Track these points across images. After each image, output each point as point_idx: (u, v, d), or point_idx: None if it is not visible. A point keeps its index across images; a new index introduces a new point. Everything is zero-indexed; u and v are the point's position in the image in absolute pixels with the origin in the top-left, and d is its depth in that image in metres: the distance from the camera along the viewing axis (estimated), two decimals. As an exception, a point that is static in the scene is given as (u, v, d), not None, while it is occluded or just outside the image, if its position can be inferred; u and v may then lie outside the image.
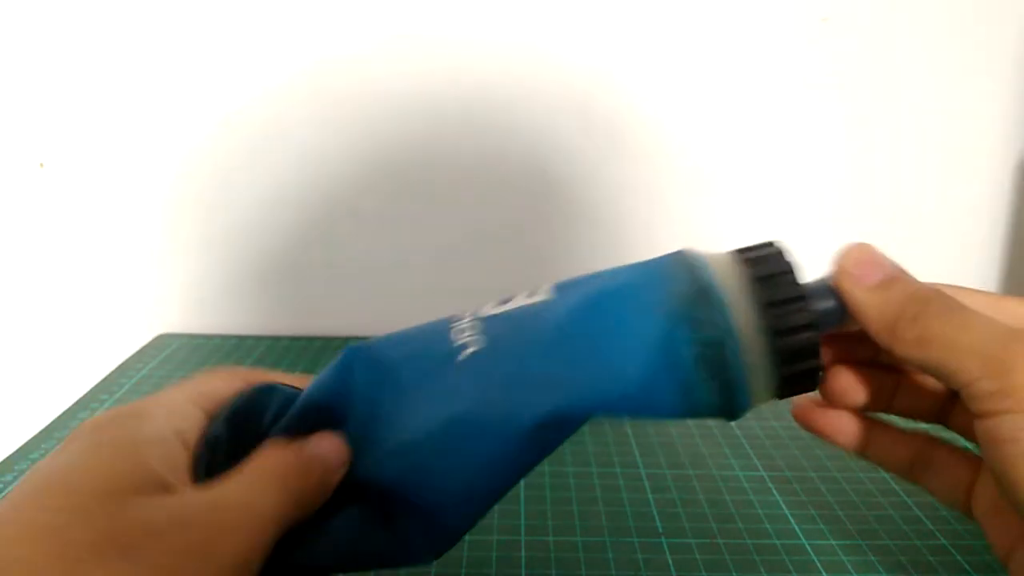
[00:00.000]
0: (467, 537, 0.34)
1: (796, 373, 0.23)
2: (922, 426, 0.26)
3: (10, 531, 0.17)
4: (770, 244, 0.24)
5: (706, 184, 0.59)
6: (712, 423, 0.45)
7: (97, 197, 0.59)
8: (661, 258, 0.25)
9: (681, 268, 0.24)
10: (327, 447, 0.22)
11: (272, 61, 0.56)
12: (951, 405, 0.26)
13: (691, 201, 0.60)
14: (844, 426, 0.26)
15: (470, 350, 0.23)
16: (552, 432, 0.23)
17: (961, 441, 0.25)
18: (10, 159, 0.58)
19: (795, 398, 0.26)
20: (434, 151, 0.58)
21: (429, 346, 0.24)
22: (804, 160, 0.59)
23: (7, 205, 0.59)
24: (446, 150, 0.58)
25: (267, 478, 0.20)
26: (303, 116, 0.57)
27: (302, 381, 0.25)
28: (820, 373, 0.24)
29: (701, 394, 0.23)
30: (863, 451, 0.26)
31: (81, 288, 0.61)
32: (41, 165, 0.58)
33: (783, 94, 0.58)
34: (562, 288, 0.25)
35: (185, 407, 0.22)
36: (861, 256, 0.23)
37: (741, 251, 0.24)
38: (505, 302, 0.25)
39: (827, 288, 0.24)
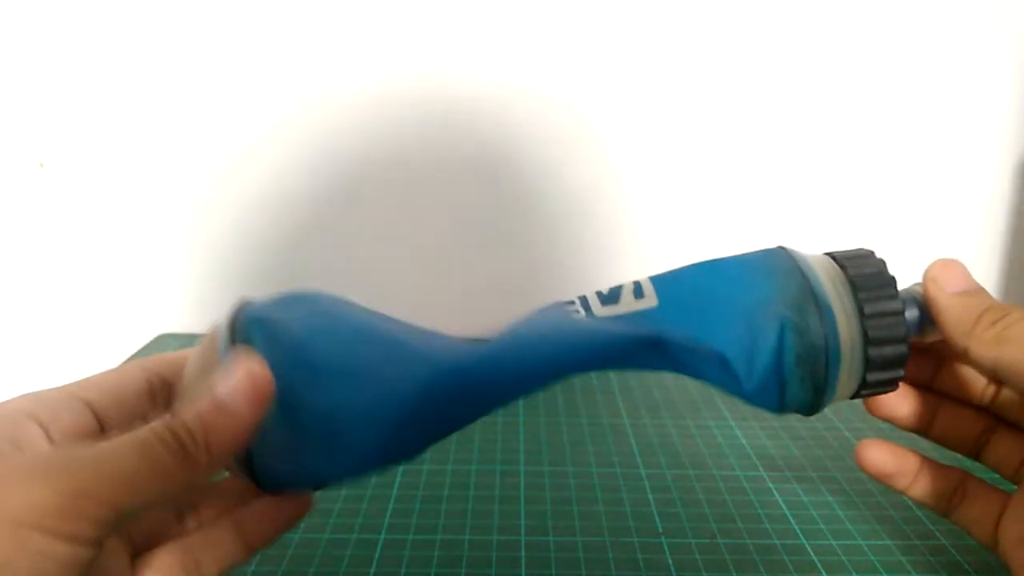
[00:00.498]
0: (467, 537, 0.34)
1: (882, 380, 0.25)
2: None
3: None
4: (871, 254, 0.25)
5: (704, 183, 0.59)
6: (712, 423, 0.45)
7: (97, 197, 0.59)
8: (766, 256, 0.26)
9: (788, 269, 0.25)
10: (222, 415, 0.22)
11: (269, 65, 0.56)
12: (987, 437, 0.28)
13: (690, 201, 0.60)
14: (905, 466, 0.29)
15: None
16: (649, 352, 0.24)
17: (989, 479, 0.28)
18: (10, 159, 0.58)
19: (863, 442, 0.29)
20: (430, 155, 0.58)
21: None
22: (803, 161, 0.59)
23: (7, 205, 0.59)
24: (442, 154, 0.58)
25: (129, 443, 0.20)
26: (301, 118, 0.57)
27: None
28: (900, 381, 0.25)
29: (794, 390, 0.24)
30: (910, 487, 0.29)
31: (81, 288, 0.61)
32: (41, 165, 0.58)
33: (781, 94, 0.58)
34: (666, 291, 0.26)
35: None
36: (948, 267, 0.26)
37: (839, 256, 0.25)
38: (613, 299, 0.26)
39: (910, 299, 0.26)
